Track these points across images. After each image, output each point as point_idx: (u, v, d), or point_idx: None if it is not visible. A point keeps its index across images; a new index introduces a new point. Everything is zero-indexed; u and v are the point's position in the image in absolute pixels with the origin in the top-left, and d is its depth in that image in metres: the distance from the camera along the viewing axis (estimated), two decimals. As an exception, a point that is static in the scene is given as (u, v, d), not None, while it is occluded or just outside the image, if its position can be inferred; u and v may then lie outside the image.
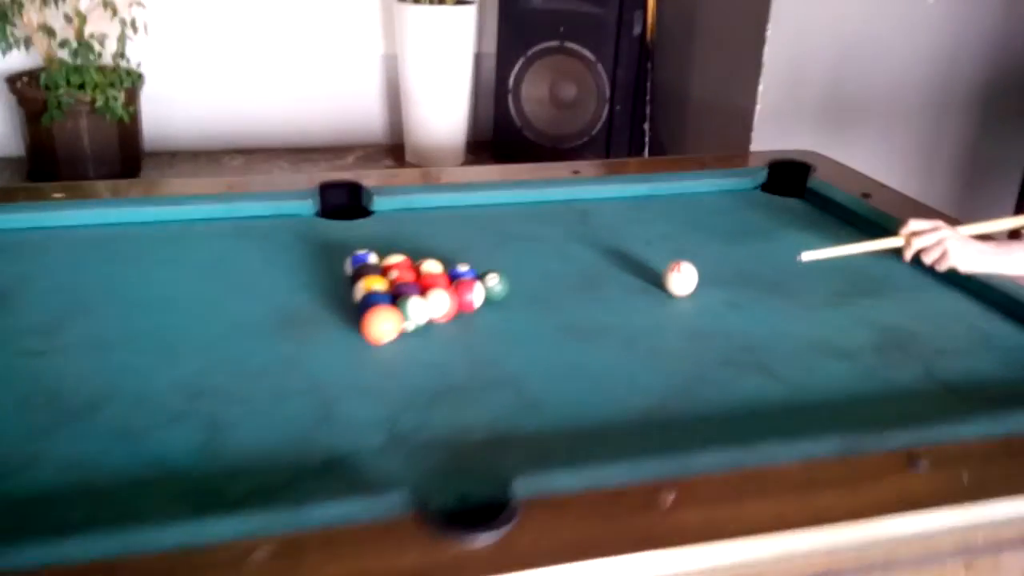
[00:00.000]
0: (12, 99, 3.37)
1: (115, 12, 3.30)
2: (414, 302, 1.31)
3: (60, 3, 3.25)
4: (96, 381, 1.16)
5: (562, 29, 3.44)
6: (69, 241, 1.57)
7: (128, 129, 3.36)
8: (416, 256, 1.46)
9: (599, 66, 3.47)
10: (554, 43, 3.51)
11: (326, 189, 1.79)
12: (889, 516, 0.95)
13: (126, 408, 1.11)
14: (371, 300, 1.32)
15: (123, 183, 1.97)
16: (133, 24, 3.34)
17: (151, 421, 1.08)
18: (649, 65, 3.51)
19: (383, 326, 1.28)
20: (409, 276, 1.40)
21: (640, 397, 1.20)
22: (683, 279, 1.47)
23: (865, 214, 1.81)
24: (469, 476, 1.00)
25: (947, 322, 1.45)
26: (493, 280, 1.41)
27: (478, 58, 3.77)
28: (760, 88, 2.85)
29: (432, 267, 1.43)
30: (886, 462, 1.03)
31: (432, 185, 1.87)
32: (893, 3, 2.96)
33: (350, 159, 3.73)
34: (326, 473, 1.01)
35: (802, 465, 1.02)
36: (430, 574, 0.83)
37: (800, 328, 1.40)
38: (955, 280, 1.54)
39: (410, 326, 1.31)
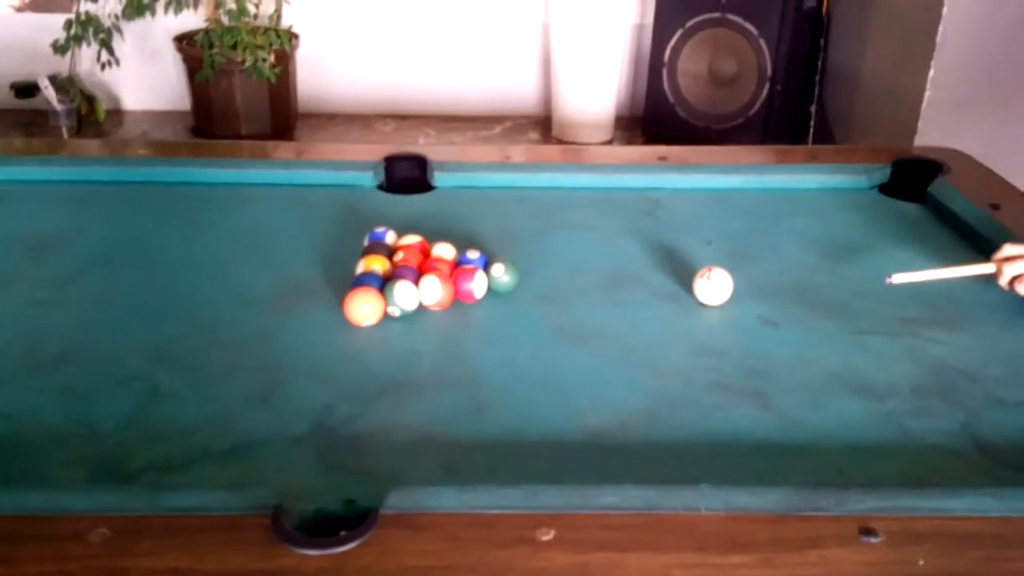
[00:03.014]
0: (179, 57, 3.62)
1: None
2: (401, 287, 1.27)
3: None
4: (73, 336, 1.21)
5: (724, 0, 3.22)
6: (130, 195, 1.65)
7: (279, 89, 3.51)
8: (444, 237, 1.42)
9: (761, 41, 3.21)
10: (715, 14, 3.28)
11: (392, 162, 1.77)
12: (798, 596, 0.81)
13: (85, 366, 1.15)
14: (360, 281, 1.29)
15: (232, 144, 2.04)
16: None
17: (99, 382, 1.12)
18: (822, 41, 3.21)
19: (361, 309, 1.25)
20: (415, 259, 1.36)
21: (601, 414, 1.09)
22: (711, 288, 1.33)
23: (981, 229, 1.56)
24: (362, 480, 0.95)
25: (1027, 367, 1.22)
26: (499, 271, 1.34)
27: (638, 29, 3.60)
28: (931, 73, 2.52)
29: (443, 251, 1.38)
30: (830, 529, 0.88)
31: (498, 164, 1.80)
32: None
33: (496, 130, 3.71)
34: (230, 458, 1.00)
35: (725, 518, 0.89)
36: (247, 580, 0.80)
37: (833, 356, 1.23)
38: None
39: (395, 311, 1.27)
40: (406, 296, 1.27)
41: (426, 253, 1.39)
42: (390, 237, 1.42)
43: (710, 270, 1.33)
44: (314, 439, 1.03)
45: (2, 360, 1.16)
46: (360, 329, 1.25)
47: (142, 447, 1.00)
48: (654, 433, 1.06)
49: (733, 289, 1.34)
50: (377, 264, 1.33)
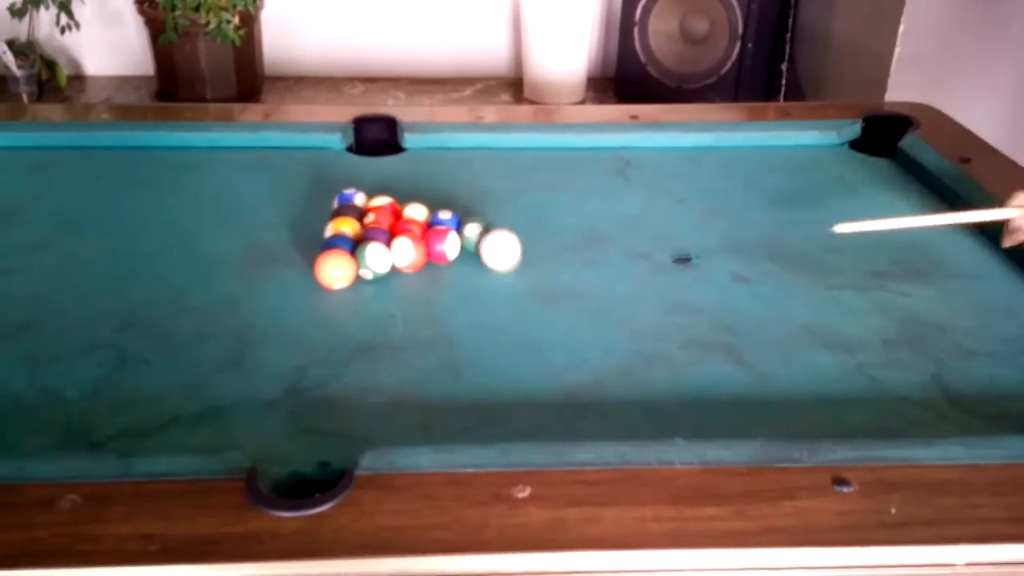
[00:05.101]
0: (140, 20, 3.54)
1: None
2: (372, 249, 1.25)
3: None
4: (39, 304, 1.19)
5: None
6: (93, 160, 1.62)
7: (244, 52, 3.44)
8: (416, 199, 1.40)
9: (732, -1, 3.20)
10: (686, -28, 3.26)
11: (361, 123, 1.75)
12: (772, 547, 0.81)
13: (50, 334, 1.13)
14: (330, 244, 1.28)
15: (190, 107, 2.01)
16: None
17: (65, 349, 1.10)
18: (793, -1, 3.21)
19: (332, 272, 1.23)
20: (386, 221, 1.34)
21: (575, 373, 1.09)
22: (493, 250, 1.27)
23: (951, 182, 1.56)
24: (336, 442, 0.95)
25: (996, 320, 1.23)
26: (472, 231, 1.33)
27: (610, -11, 3.57)
28: (901, 29, 2.51)
29: (414, 212, 1.37)
30: (804, 480, 0.88)
31: (470, 124, 1.78)
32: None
33: (467, 92, 3.67)
34: (201, 423, 0.98)
35: (700, 471, 0.89)
36: (221, 543, 0.79)
37: (804, 311, 1.23)
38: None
39: (367, 274, 1.26)
40: (378, 258, 1.25)
41: (397, 214, 1.37)
42: (360, 199, 1.40)
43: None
44: (287, 403, 1.02)
45: (-35, 329, 1.13)
46: (331, 292, 1.24)
47: (111, 414, 0.99)
48: (628, 390, 1.06)
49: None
50: (347, 226, 1.31)
